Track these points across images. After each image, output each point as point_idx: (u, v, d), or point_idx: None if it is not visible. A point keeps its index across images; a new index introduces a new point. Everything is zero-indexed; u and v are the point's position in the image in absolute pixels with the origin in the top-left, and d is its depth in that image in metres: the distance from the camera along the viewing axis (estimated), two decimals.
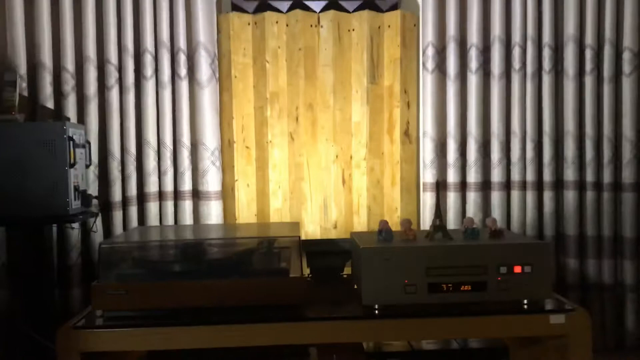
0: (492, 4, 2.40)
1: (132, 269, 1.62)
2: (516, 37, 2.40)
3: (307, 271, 1.99)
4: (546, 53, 2.40)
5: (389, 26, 2.46)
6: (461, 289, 1.57)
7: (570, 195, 2.44)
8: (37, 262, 2.12)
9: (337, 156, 2.47)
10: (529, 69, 2.41)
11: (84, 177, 2.20)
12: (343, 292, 1.83)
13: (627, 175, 2.42)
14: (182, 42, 2.36)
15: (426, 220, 2.44)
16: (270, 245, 1.65)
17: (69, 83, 2.30)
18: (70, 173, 2.06)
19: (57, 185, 2.04)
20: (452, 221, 2.43)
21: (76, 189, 2.11)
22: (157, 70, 2.36)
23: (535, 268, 1.57)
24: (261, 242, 1.69)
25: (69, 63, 2.30)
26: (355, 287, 1.77)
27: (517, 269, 1.57)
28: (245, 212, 2.45)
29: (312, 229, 2.45)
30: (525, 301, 1.60)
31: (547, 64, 2.41)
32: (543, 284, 1.58)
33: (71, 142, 2.07)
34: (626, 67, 2.41)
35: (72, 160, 2.07)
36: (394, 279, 1.55)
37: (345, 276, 2.01)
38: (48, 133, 2.03)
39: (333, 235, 2.44)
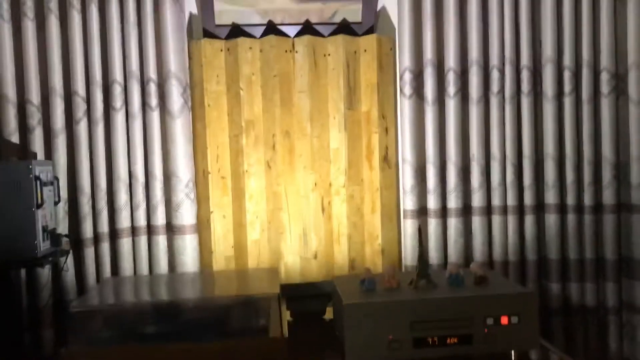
0: (469, 27, 2.36)
1: (103, 332, 1.55)
2: (494, 60, 2.37)
3: (287, 315, 1.94)
4: (524, 75, 2.37)
5: (365, 50, 2.41)
6: (447, 342, 1.52)
7: (551, 219, 2.41)
8: (4, 306, 2.04)
9: (315, 184, 2.41)
10: (508, 91, 2.38)
11: (52, 215, 2.12)
12: (325, 341, 1.77)
13: (608, 197, 2.41)
14: (152, 72, 2.28)
15: (407, 247, 2.40)
16: (248, 302, 1.59)
17: (35, 116, 2.21)
18: (37, 214, 1.98)
19: (24, 228, 1.95)
20: (433, 248, 2.39)
21: (45, 229, 2.03)
22: (126, 101, 2.27)
23: (522, 318, 1.54)
24: (238, 300, 1.63)
25: (34, 95, 2.20)
26: (337, 334, 1.72)
27: (504, 320, 1.53)
28: (222, 245, 2.38)
29: (291, 260, 2.39)
30: (513, 352, 1.56)
31: (525, 86, 2.38)
32: (530, 334, 1.55)
33: (38, 182, 1.99)
34: (604, 88, 2.39)
35: (39, 201, 1.99)
36: (378, 334, 1.50)
37: (327, 320, 1.96)
38: (13, 174, 1.95)
39: (313, 265, 2.39)
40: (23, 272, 2.19)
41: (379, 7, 2.47)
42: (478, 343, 1.53)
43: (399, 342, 1.51)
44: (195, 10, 2.41)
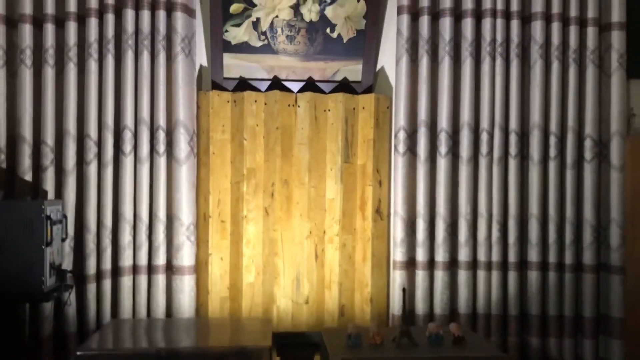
0: (462, 91, 2.50)
1: None
2: (484, 123, 2.50)
3: None
4: (512, 139, 2.51)
5: (363, 108, 2.55)
6: None
7: (533, 276, 2.52)
8: (9, 336, 2.13)
9: (310, 232, 2.53)
10: (496, 153, 2.50)
11: (59, 251, 2.23)
12: None
13: (588, 257, 2.52)
14: (161, 120, 2.41)
15: (395, 297, 2.50)
16: (242, 353, 1.70)
17: (48, 157, 2.33)
18: (46, 251, 2.09)
19: (33, 264, 2.07)
20: (420, 299, 2.50)
21: (52, 265, 2.14)
22: (136, 147, 2.40)
23: None
24: (233, 350, 1.74)
25: (49, 137, 2.34)
26: None
27: None
28: (218, 286, 2.49)
29: (284, 304, 2.50)
30: None
31: (513, 149, 2.51)
32: None
33: (49, 221, 2.10)
34: (587, 154, 2.53)
35: (48, 239, 2.10)
36: None
37: None
38: (26, 212, 2.07)
39: (304, 310, 2.49)
40: (27, 305, 2.28)
41: (378, 67, 2.61)
42: None
43: None
44: (205, 63, 2.55)
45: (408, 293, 2.50)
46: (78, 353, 1.63)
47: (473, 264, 2.53)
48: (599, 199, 2.55)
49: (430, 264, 2.52)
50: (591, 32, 2.56)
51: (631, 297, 2.43)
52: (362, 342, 1.74)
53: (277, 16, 2.53)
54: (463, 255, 2.51)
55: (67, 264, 2.35)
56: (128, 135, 2.38)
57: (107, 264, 2.38)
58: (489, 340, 2.44)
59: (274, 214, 2.51)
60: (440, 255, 2.50)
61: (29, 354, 2.28)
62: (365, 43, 2.55)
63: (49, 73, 2.34)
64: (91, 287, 2.36)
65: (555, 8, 2.53)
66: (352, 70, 2.57)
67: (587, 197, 2.53)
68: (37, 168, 2.35)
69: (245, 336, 2.01)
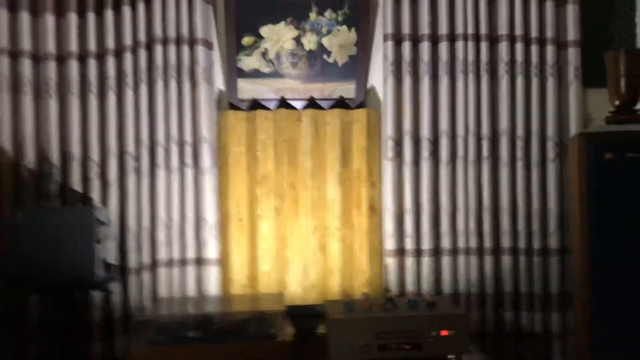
0: (440, 105, 2.95)
1: (158, 335, 2.12)
2: (460, 130, 2.94)
3: (290, 330, 2.50)
4: (484, 144, 2.95)
5: (357, 121, 2.99)
6: (403, 348, 2.09)
7: (506, 259, 2.95)
8: (67, 320, 2.60)
9: (315, 227, 2.97)
10: (470, 156, 2.94)
11: (107, 249, 2.68)
12: (318, 349, 2.33)
13: (553, 242, 2.95)
14: (188, 136, 2.86)
15: (387, 280, 2.94)
16: (262, 316, 2.16)
17: (94, 170, 2.80)
18: (97, 248, 2.53)
19: (87, 259, 2.48)
20: (409, 282, 2.93)
21: (102, 260, 2.59)
22: (167, 160, 2.86)
23: (457, 332, 2.11)
24: (255, 314, 2.20)
25: (94, 153, 2.79)
26: (325, 341, 2.30)
27: (444, 333, 2.10)
28: (239, 276, 2.94)
29: (294, 289, 2.95)
30: (449, 356, 2.12)
31: (485, 152, 2.94)
32: (463, 343, 2.11)
33: (98, 223, 2.56)
34: (550, 154, 2.96)
35: (98, 238, 2.55)
36: (354, 341, 2.08)
37: (320, 334, 2.52)
38: (80, 216, 2.50)
39: (312, 293, 2.94)
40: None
41: (368, 86, 3.07)
42: (425, 349, 2.10)
43: (368, 346, 2.08)
44: (223, 88, 3.02)
45: (399, 278, 2.94)
46: (138, 319, 2.10)
47: (454, 251, 2.95)
48: (561, 192, 2.97)
49: (417, 252, 2.95)
50: (550, 49, 2.99)
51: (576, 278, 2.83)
52: (355, 307, 2.19)
53: (282, 46, 3.00)
54: (445, 243, 2.94)
55: (113, 260, 2.78)
56: (160, 151, 2.84)
57: (145, 259, 2.83)
58: (458, 306, 2.86)
59: (283, 213, 2.96)
60: (426, 244, 2.93)
61: (83, 334, 2.74)
62: (357, 66, 3.01)
63: (93, 100, 2.80)
64: (133, 279, 2.81)
65: (519, 30, 2.96)
66: (347, 89, 3.03)
67: (551, 191, 2.96)
68: (85, 180, 2.80)
69: (263, 305, 2.47)
